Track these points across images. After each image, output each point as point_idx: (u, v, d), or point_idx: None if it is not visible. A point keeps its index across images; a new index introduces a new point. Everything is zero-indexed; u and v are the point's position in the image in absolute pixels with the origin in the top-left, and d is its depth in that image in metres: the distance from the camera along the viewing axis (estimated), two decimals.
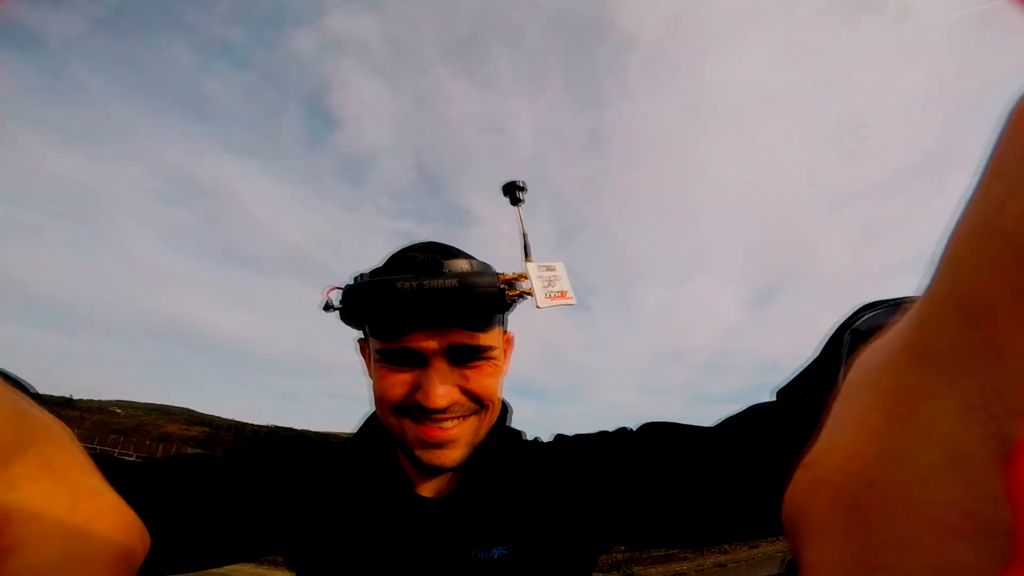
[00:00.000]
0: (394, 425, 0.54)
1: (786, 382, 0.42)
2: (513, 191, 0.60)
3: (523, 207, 0.59)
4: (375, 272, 0.55)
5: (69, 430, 0.29)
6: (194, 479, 0.52)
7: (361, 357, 0.61)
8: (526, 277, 0.55)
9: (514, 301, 0.56)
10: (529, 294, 0.55)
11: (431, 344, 0.51)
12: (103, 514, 0.28)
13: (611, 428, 0.61)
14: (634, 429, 0.58)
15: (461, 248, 0.60)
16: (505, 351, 0.61)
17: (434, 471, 0.55)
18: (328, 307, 0.56)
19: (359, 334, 0.61)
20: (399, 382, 0.53)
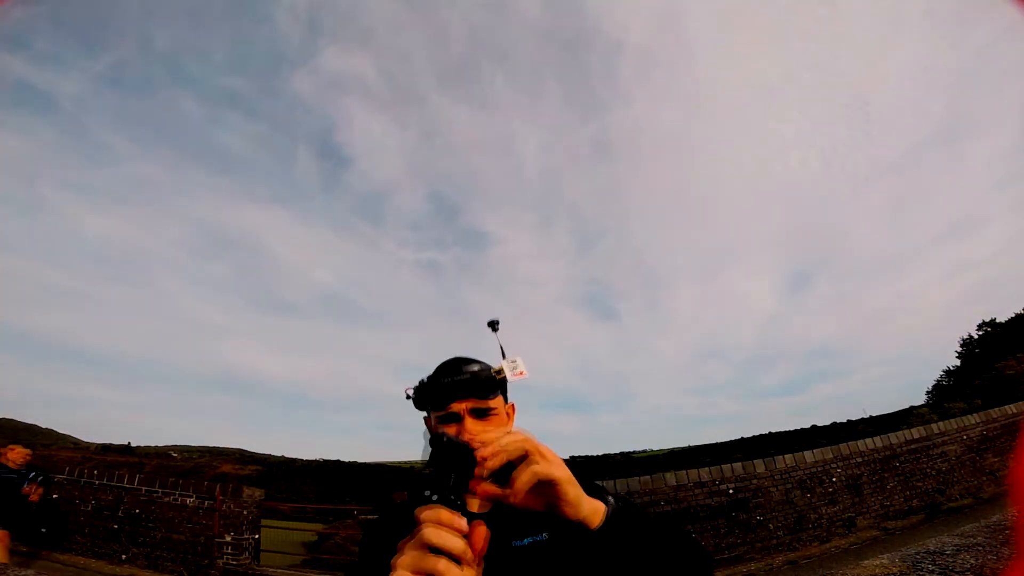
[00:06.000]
0: None
1: None
2: (492, 325, 1.14)
3: (499, 333, 1.13)
4: (430, 377, 1.04)
5: None
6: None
7: (426, 427, 1.07)
8: (503, 369, 1.09)
9: (503, 381, 1.06)
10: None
11: (462, 407, 0.99)
12: None
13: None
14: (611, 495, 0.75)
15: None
16: (508, 415, 1.07)
17: None
18: (408, 397, 1.06)
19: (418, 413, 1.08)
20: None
